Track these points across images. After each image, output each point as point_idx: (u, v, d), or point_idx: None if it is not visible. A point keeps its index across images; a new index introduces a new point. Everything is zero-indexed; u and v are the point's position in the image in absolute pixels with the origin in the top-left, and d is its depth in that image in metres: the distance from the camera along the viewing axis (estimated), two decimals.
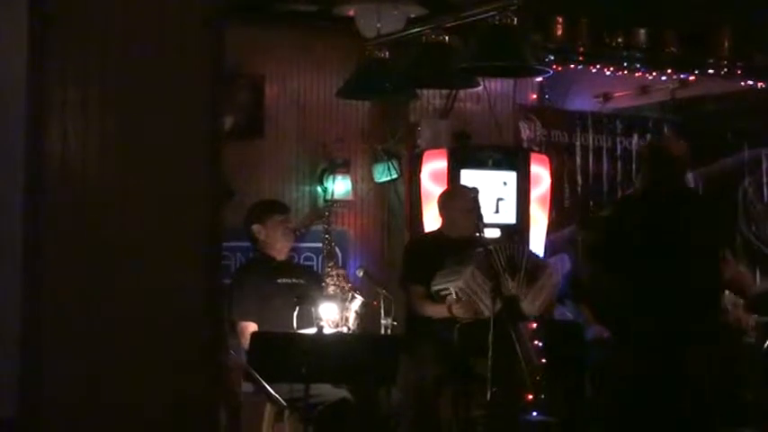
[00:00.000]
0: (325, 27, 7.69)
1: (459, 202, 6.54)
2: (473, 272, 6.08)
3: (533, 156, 7.88)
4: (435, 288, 6.25)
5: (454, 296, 6.16)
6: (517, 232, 7.56)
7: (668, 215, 5.53)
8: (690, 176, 8.78)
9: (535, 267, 6.33)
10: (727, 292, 7.21)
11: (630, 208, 5.86)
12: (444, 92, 7.87)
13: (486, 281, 6.02)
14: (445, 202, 6.71)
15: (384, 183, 7.90)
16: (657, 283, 5.45)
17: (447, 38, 6.77)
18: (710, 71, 8.52)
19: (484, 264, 6.07)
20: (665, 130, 8.82)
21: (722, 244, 5.68)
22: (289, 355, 5.29)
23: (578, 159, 8.56)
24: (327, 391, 6.06)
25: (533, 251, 6.79)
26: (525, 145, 8.19)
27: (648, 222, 5.53)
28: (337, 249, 7.27)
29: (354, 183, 7.83)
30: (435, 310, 6.27)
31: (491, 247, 6.18)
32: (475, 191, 6.24)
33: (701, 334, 5.41)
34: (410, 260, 6.63)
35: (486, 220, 6.26)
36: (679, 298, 5.41)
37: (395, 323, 6.66)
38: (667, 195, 5.61)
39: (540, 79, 8.06)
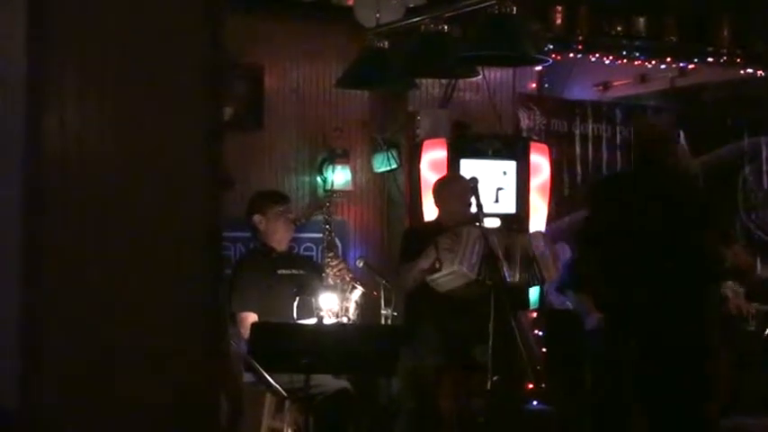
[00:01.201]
0: (324, 17, 7.67)
1: (452, 188, 6.55)
2: (479, 232, 6.01)
3: (533, 145, 7.87)
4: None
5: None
6: (517, 221, 7.55)
7: (651, 194, 5.46)
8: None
9: (529, 260, 6.33)
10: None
11: (613, 187, 5.80)
12: (444, 81, 7.86)
13: (482, 249, 5.99)
14: (439, 190, 6.71)
15: (383, 173, 7.90)
16: (641, 264, 5.38)
17: (446, 27, 6.76)
18: (710, 59, 8.53)
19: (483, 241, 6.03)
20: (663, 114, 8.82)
21: (711, 225, 5.58)
22: (289, 346, 5.30)
23: (578, 148, 8.56)
24: (327, 382, 6.06)
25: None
26: (525, 134, 8.19)
27: (630, 202, 5.48)
28: (337, 240, 7.26)
29: (354, 173, 7.83)
30: (421, 262, 6.23)
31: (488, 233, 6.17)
32: (474, 180, 6.23)
33: (685, 317, 5.33)
34: (405, 248, 6.63)
35: (485, 210, 6.25)
36: (662, 280, 5.33)
37: (395, 313, 6.67)
38: (652, 174, 5.54)
39: (539, 68, 8.06)
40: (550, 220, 7.91)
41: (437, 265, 6.17)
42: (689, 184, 5.52)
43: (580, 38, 8.11)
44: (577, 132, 8.55)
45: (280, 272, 6.55)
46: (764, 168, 9.19)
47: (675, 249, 5.36)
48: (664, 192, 5.47)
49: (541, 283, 6.58)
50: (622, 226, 5.42)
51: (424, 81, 7.69)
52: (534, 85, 8.37)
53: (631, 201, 5.49)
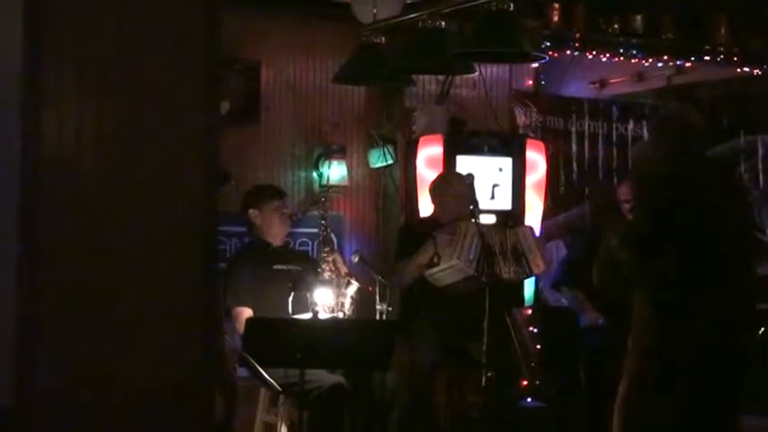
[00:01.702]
0: (321, 12, 7.67)
1: (450, 187, 6.55)
2: (476, 229, 6.00)
3: (529, 142, 7.86)
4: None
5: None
6: (513, 218, 7.55)
7: (705, 189, 5.19)
8: None
9: (518, 254, 6.34)
10: None
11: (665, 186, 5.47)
12: (440, 77, 7.85)
13: (479, 245, 6.00)
14: (436, 188, 6.71)
15: (379, 168, 7.90)
16: (710, 261, 5.10)
17: (443, 23, 6.76)
18: (707, 57, 8.53)
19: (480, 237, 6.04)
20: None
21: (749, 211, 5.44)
22: (284, 341, 5.31)
23: (574, 145, 8.57)
24: (322, 377, 6.07)
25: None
26: (521, 131, 8.20)
27: (687, 199, 5.18)
28: (333, 235, 7.25)
29: (350, 168, 7.83)
30: (419, 257, 6.24)
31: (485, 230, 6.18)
32: (470, 177, 6.23)
33: (749, 313, 5.19)
34: (401, 245, 6.63)
35: (481, 206, 6.26)
36: (729, 276, 5.09)
37: (390, 308, 6.67)
38: (698, 168, 5.28)
39: (536, 65, 8.07)
40: (546, 217, 7.91)
41: (435, 260, 6.18)
42: (729, 173, 5.32)
43: (577, 35, 8.12)
44: (573, 130, 8.57)
45: (275, 267, 6.56)
46: (760, 167, 9.20)
47: (734, 243, 5.16)
48: (715, 185, 5.23)
49: (530, 276, 6.59)
50: (688, 226, 5.13)
51: (420, 77, 7.68)
52: (531, 82, 8.38)
53: (689, 199, 5.19)
